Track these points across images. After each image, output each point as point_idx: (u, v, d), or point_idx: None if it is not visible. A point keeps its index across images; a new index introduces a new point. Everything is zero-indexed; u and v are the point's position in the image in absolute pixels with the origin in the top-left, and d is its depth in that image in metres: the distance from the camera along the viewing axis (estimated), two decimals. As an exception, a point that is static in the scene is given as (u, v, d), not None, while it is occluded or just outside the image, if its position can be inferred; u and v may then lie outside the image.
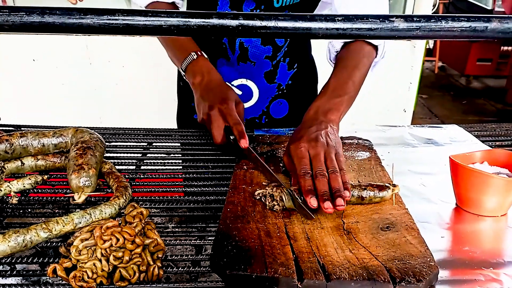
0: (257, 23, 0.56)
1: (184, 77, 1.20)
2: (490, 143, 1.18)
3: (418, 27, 0.58)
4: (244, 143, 1.01)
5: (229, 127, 1.06)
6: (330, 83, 1.09)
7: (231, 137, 1.05)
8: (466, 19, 0.59)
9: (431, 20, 0.58)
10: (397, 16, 0.59)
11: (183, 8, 1.34)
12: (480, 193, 0.82)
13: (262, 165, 0.97)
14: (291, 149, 0.91)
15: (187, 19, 0.56)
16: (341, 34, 0.59)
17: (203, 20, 0.56)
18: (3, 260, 0.70)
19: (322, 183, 0.82)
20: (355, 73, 1.11)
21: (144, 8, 1.30)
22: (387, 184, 0.86)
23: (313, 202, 0.79)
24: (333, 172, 0.84)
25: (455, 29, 0.58)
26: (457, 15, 0.60)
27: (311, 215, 0.79)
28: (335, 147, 0.91)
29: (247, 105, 1.36)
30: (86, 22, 0.56)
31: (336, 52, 1.21)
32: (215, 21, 0.56)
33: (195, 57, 1.16)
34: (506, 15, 0.64)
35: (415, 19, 0.59)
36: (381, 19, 0.58)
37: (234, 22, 0.56)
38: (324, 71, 1.51)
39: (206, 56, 1.19)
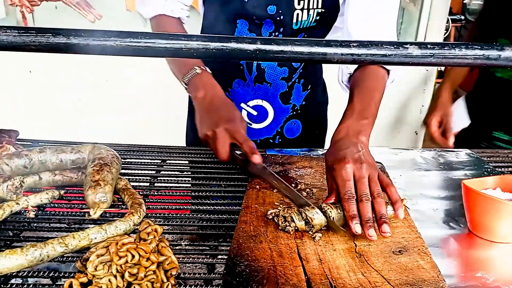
0: (274, 47, 0.58)
1: (186, 91, 1.19)
2: (503, 168, 1.18)
3: (432, 54, 0.60)
4: (257, 158, 1.00)
5: (234, 145, 1.06)
6: (354, 104, 1.08)
7: (238, 153, 1.05)
8: (479, 47, 0.60)
9: (445, 48, 0.60)
10: (411, 43, 0.60)
11: (188, 23, 1.35)
12: (492, 219, 0.82)
13: (276, 179, 0.96)
14: (336, 168, 0.89)
15: (206, 43, 0.58)
16: (356, 59, 0.60)
17: (222, 44, 0.58)
18: (16, 274, 0.71)
19: (366, 209, 0.82)
20: (376, 95, 1.11)
21: (148, 20, 1.29)
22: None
23: (357, 229, 0.79)
24: (378, 196, 0.84)
25: (468, 56, 0.60)
26: (470, 43, 0.61)
27: (340, 229, 0.80)
28: (377, 169, 0.90)
29: (261, 125, 1.37)
30: (109, 44, 0.59)
31: (349, 73, 1.22)
32: (233, 45, 0.58)
33: (198, 71, 1.15)
34: (519, 44, 0.65)
35: (429, 46, 0.60)
36: (395, 46, 0.60)
37: (251, 47, 0.58)
38: (334, 94, 1.53)
39: (209, 71, 1.18)
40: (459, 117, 1.94)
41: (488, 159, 1.24)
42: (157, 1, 1.26)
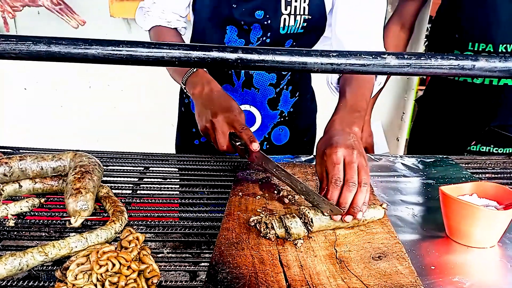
0: (255, 56, 0.59)
1: (185, 90, 1.21)
2: (480, 175, 1.20)
3: (408, 64, 0.62)
4: (255, 146, 1.01)
5: (233, 134, 1.06)
6: (347, 98, 1.09)
7: (237, 143, 1.05)
8: (454, 57, 0.62)
9: (421, 58, 0.62)
10: (389, 53, 0.62)
11: (186, 34, 1.38)
12: (469, 225, 0.84)
13: (276, 167, 0.97)
14: (327, 153, 0.89)
15: (188, 52, 0.59)
16: (336, 69, 0.62)
17: (204, 52, 0.59)
18: (-3, 283, 0.70)
19: (349, 195, 0.83)
20: (366, 93, 1.14)
21: (147, 31, 1.34)
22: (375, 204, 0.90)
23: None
24: (365, 185, 0.85)
25: (444, 66, 0.62)
26: (446, 53, 0.63)
27: (338, 210, 0.83)
28: (366, 160, 0.91)
29: None
30: (91, 53, 0.59)
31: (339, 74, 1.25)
32: (215, 54, 0.59)
33: (194, 70, 1.18)
34: (493, 54, 0.67)
35: (406, 56, 0.62)
36: (373, 56, 0.61)
37: (233, 56, 0.59)
38: (323, 102, 1.55)
39: (205, 69, 1.20)
40: (378, 141, 1.83)
41: (466, 165, 1.27)
42: (154, 13, 1.30)
